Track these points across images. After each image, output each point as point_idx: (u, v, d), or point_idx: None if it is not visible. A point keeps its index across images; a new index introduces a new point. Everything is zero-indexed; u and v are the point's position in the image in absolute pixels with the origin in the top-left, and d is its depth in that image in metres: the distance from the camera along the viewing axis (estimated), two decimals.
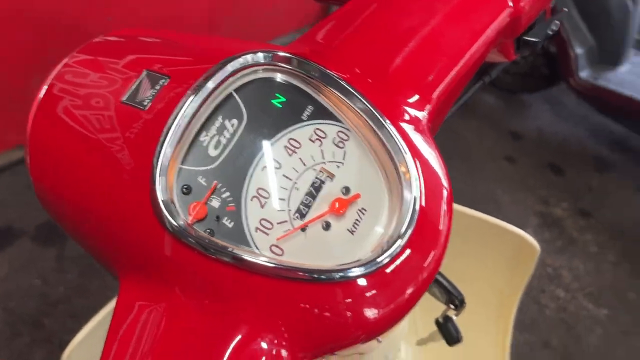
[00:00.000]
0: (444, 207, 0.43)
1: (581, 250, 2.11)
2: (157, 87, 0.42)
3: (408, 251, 0.39)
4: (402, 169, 0.41)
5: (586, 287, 1.94)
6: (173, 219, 0.37)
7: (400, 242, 0.39)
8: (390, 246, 0.39)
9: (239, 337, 0.36)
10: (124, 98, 0.42)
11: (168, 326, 0.37)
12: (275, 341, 0.37)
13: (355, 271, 0.37)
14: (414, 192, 0.41)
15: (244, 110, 0.42)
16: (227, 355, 0.36)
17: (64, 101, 0.43)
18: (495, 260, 0.82)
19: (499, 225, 0.77)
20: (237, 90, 0.43)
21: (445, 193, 0.43)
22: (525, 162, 2.57)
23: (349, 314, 0.38)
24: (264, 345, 0.37)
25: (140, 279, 0.40)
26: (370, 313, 0.38)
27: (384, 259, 0.38)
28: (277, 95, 0.43)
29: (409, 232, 0.39)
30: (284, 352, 0.37)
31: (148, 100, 0.41)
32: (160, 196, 0.37)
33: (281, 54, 0.44)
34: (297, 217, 0.40)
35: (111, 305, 0.62)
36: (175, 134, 0.39)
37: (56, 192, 0.43)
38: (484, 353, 0.93)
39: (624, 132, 2.73)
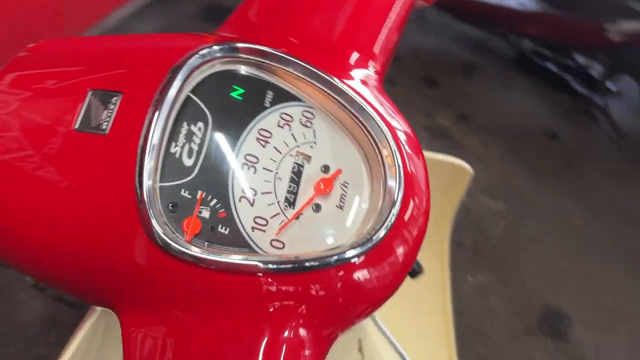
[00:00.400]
0: (416, 153, 0.43)
1: (471, 153, 2.29)
2: (112, 107, 0.37)
3: (403, 214, 0.40)
4: (375, 134, 0.41)
5: (482, 185, 2.13)
6: (175, 243, 0.34)
7: (394, 211, 0.39)
8: (387, 216, 0.39)
9: (265, 339, 0.36)
10: (76, 125, 0.37)
11: (186, 348, 0.35)
12: (294, 323, 0.37)
13: (352, 252, 0.37)
14: (393, 149, 0.41)
15: (206, 111, 0.39)
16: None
17: (3, 142, 0.37)
18: (436, 190, 0.86)
19: (431, 157, 0.80)
20: (192, 91, 0.39)
21: (414, 141, 0.44)
22: (404, 81, 2.67)
23: (358, 291, 0.38)
24: (285, 334, 0.36)
25: (143, 309, 0.37)
26: (377, 286, 0.39)
27: (381, 231, 0.38)
28: (235, 87, 0.41)
29: (401, 194, 0.40)
30: (302, 331, 0.37)
31: (106, 124, 0.37)
32: (156, 227, 0.34)
33: (240, 45, 0.41)
34: (286, 206, 0.39)
35: (80, 336, 0.56)
36: (150, 155, 0.35)
37: (30, 246, 0.38)
38: (429, 274, 0.99)
39: (483, 36, 2.94)
